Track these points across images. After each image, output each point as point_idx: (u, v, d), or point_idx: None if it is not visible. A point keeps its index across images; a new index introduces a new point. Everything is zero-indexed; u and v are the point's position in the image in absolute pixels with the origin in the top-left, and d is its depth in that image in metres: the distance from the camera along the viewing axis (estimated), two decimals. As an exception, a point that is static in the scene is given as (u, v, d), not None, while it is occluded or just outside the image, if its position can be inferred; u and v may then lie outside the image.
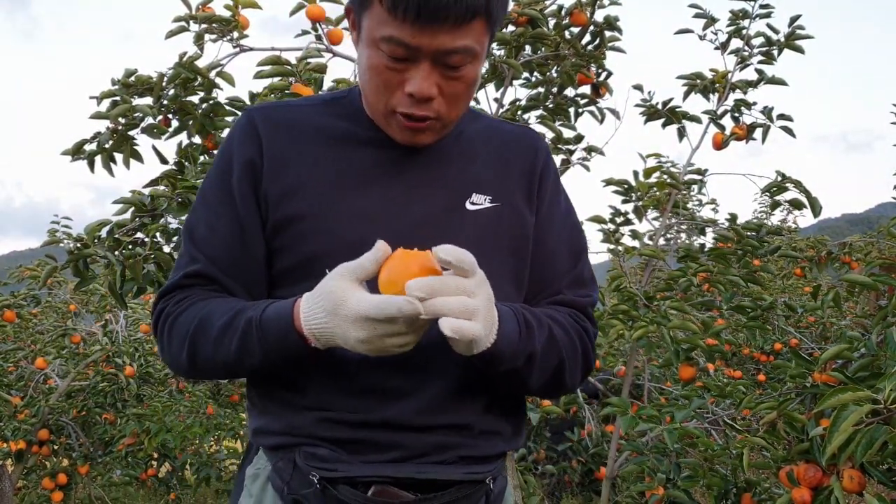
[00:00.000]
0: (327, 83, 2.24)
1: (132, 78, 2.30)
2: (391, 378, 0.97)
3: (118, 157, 2.37)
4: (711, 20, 2.82)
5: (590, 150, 2.75)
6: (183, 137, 2.40)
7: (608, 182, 2.77)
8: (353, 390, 0.97)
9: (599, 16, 2.59)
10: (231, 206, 1.02)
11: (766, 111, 2.78)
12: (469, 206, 1.03)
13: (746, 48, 2.81)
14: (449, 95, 0.95)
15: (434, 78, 0.93)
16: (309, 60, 2.17)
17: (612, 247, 2.84)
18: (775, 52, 2.78)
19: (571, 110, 2.74)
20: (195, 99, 2.34)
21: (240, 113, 2.36)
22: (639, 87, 2.84)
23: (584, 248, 1.15)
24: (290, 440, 0.99)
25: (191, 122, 2.35)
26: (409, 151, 1.03)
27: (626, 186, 2.75)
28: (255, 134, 1.03)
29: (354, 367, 0.96)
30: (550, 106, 2.69)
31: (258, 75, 2.16)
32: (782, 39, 2.76)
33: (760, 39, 2.79)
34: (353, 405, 0.97)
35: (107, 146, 2.34)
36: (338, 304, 0.85)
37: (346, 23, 2.31)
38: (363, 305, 0.83)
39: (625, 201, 2.80)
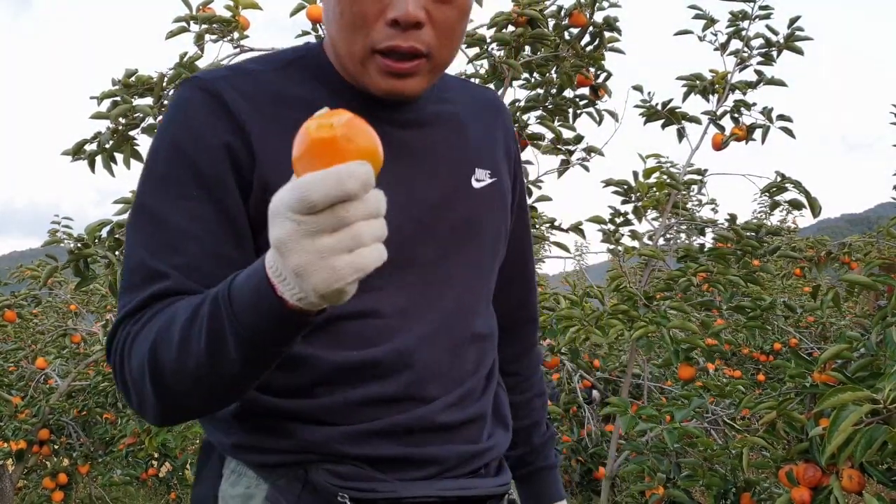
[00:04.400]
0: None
1: (133, 78, 2.31)
2: (414, 382, 0.86)
3: (119, 157, 2.38)
4: (711, 21, 2.82)
5: (589, 150, 2.75)
6: (183, 138, 2.40)
7: (608, 182, 2.77)
8: (374, 398, 0.85)
9: (599, 17, 2.59)
10: (206, 200, 0.80)
11: (766, 112, 2.78)
12: (475, 185, 0.94)
13: (746, 49, 2.81)
14: (440, 25, 0.81)
15: (421, 0, 0.79)
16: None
17: (611, 247, 2.84)
18: (774, 54, 2.79)
19: (570, 111, 2.75)
20: (196, 99, 2.35)
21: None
22: (638, 88, 2.84)
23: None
24: (300, 458, 0.84)
25: (191, 123, 2.35)
26: (400, 120, 0.89)
27: (625, 187, 2.76)
28: (225, 109, 0.82)
29: (378, 370, 0.85)
30: (550, 107, 2.70)
31: (259, 76, 2.16)
32: (781, 41, 2.77)
33: (760, 40, 2.79)
34: (375, 413, 0.85)
35: (107, 146, 2.34)
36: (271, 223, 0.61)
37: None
38: (286, 195, 0.59)
39: (624, 202, 2.81)
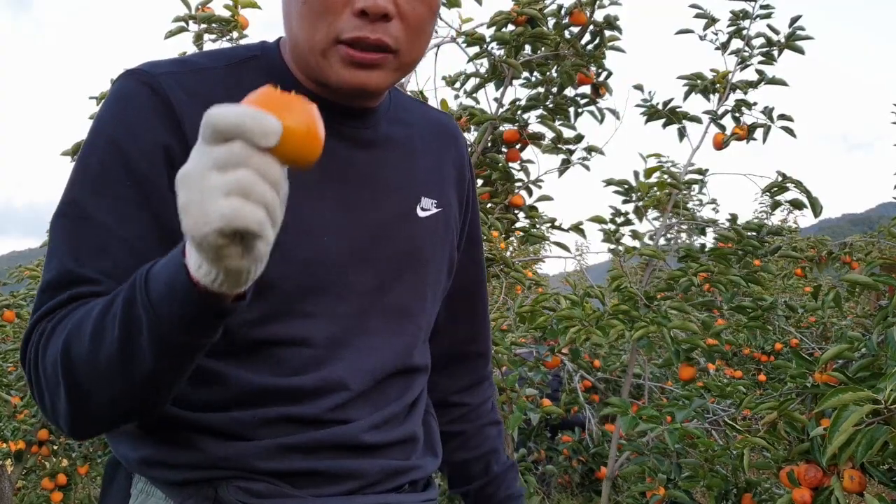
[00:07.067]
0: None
1: (132, 78, 2.31)
2: (337, 406, 0.84)
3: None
4: (712, 20, 2.81)
5: (590, 149, 2.75)
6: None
7: (608, 182, 2.77)
8: (293, 417, 0.81)
9: (599, 15, 2.59)
10: (139, 202, 0.76)
11: (767, 111, 2.77)
12: (420, 213, 0.91)
13: (747, 48, 2.80)
14: (409, 20, 0.78)
15: None
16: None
17: (612, 247, 2.83)
18: (775, 53, 2.78)
19: (571, 110, 2.74)
20: (195, 99, 2.34)
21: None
22: (639, 87, 2.84)
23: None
24: (210, 474, 0.80)
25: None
26: (352, 136, 0.86)
27: (626, 186, 2.75)
28: (169, 108, 0.78)
29: (301, 395, 0.82)
30: (550, 106, 2.69)
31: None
32: (783, 40, 2.76)
33: (761, 40, 2.79)
34: (292, 430, 0.81)
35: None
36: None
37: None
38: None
39: (625, 201, 2.80)
